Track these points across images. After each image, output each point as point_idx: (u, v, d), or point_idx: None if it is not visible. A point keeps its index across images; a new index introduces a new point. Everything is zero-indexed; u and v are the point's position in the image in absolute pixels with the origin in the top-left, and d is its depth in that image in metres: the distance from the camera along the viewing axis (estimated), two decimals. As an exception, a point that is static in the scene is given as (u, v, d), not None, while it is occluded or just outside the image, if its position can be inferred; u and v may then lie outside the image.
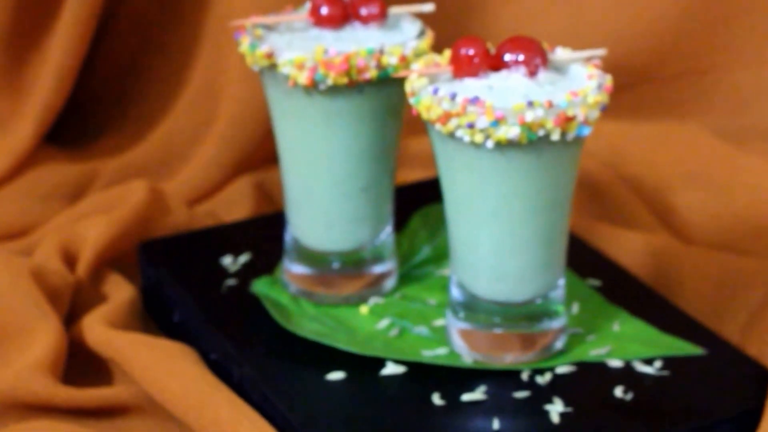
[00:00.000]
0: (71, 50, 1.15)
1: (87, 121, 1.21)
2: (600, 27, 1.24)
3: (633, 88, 1.24)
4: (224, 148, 1.17)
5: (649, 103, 1.25)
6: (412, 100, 0.83)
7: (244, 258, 1.01)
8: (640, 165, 1.18)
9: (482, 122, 0.80)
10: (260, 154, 1.17)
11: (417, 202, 1.06)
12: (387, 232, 0.97)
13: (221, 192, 1.16)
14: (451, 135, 0.82)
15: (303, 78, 0.87)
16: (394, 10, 0.93)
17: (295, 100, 0.90)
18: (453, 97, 0.80)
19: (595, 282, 0.96)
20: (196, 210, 1.12)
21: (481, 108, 0.80)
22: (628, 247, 1.05)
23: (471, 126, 0.80)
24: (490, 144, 0.80)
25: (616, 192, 1.14)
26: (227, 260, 1.01)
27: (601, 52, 0.86)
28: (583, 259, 0.99)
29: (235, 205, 1.14)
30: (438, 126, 0.82)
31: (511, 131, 0.79)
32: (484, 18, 1.24)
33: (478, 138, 0.80)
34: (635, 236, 1.05)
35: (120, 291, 1.01)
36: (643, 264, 1.04)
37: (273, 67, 0.89)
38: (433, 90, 0.81)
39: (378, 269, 0.97)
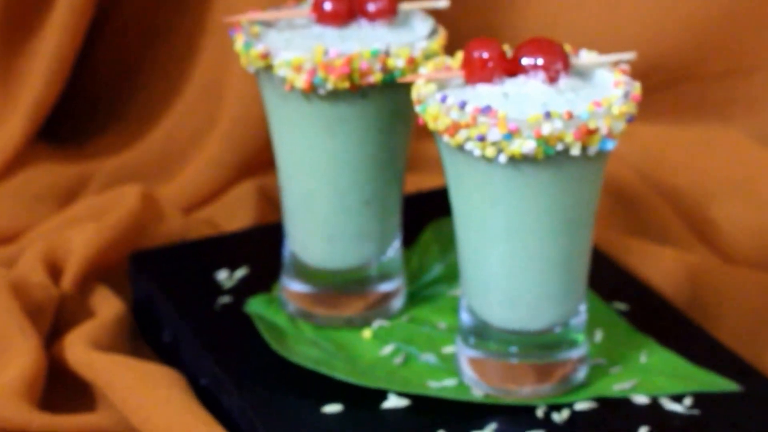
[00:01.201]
0: (65, 42, 1.10)
1: (82, 119, 1.18)
2: (638, 21, 1.18)
3: (671, 88, 1.20)
4: (227, 150, 1.12)
5: (688, 105, 1.20)
6: (418, 108, 0.78)
7: (240, 272, 0.96)
8: (677, 173, 1.14)
9: (494, 135, 0.74)
10: (265, 156, 1.12)
11: (430, 213, 1.01)
12: (394, 248, 0.91)
13: (222, 197, 1.12)
14: (461, 148, 0.76)
15: (301, 81, 0.82)
16: (405, 5, 0.88)
17: (293, 105, 0.85)
18: (462, 106, 0.75)
19: (622, 306, 0.91)
20: (192, 217, 1.08)
21: (493, 119, 0.74)
22: (661, 266, 1.00)
23: (482, 139, 0.74)
24: (502, 158, 0.75)
25: (648, 202, 1.10)
26: (222, 275, 0.96)
27: (629, 56, 0.80)
28: (608, 279, 0.94)
29: (236, 211, 1.09)
30: (446, 138, 0.76)
31: (526, 145, 0.74)
32: (509, 14, 1.18)
33: (490, 152, 0.75)
34: (669, 253, 1.01)
35: (108, 306, 0.96)
36: (676, 285, 0.98)
37: (269, 68, 0.84)
38: (441, 98, 0.76)
39: (384, 288, 0.91)
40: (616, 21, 1.18)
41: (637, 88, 0.78)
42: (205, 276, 0.96)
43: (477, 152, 0.75)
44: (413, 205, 0.98)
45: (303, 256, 0.90)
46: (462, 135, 0.75)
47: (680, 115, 1.19)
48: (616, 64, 0.80)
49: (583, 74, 0.79)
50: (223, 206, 1.10)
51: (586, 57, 0.80)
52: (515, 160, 0.75)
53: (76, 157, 1.15)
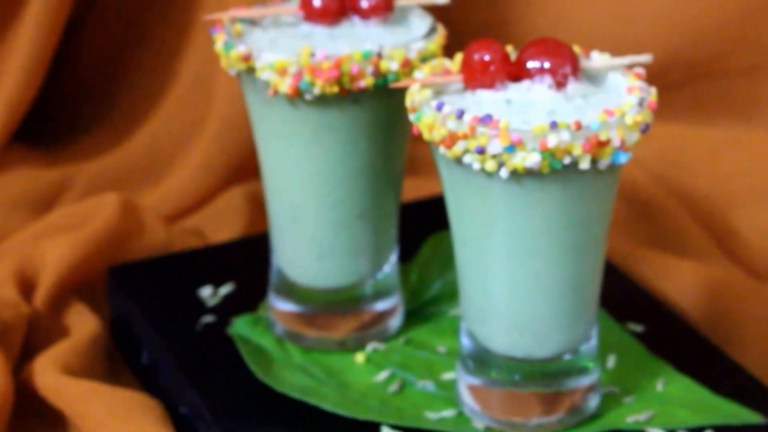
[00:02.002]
0: (41, 39, 1.06)
1: (62, 120, 1.14)
2: (655, 13, 1.14)
3: (691, 84, 1.15)
4: (216, 153, 1.08)
5: (710, 102, 1.16)
6: (412, 117, 0.72)
7: (225, 289, 0.91)
8: (697, 176, 1.10)
9: (495, 147, 0.69)
10: (256, 160, 1.07)
11: (430, 223, 0.95)
12: (391, 263, 0.86)
13: (210, 204, 1.08)
14: (458, 161, 0.71)
15: (285, 86, 0.77)
16: (402, 1, 0.82)
17: (277, 111, 0.79)
18: (460, 115, 0.70)
19: (637, 327, 0.87)
20: (177, 227, 1.03)
21: (493, 129, 0.69)
22: (679, 281, 0.95)
23: (481, 151, 0.69)
24: (504, 173, 0.70)
25: (666, 210, 1.06)
26: (206, 291, 0.91)
27: (645, 58, 0.74)
28: (622, 297, 0.89)
29: (224, 220, 1.05)
30: (442, 149, 0.71)
31: (529, 158, 0.69)
32: (516, 11, 1.13)
33: (490, 166, 0.69)
34: (688, 266, 0.96)
35: (83, 325, 0.91)
36: (696, 302, 0.94)
37: (251, 71, 0.78)
38: (437, 105, 0.71)
39: (380, 306, 0.86)
40: (632, 12, 1.13)
41: (653, 94, 0.73)
42: (187, 293, 0.91)
43: (476, 166, 0.70)
44: (412, 214, 0.94)
45: (291, 273, 0.85)
46: (459, 147, 0.70)
47: (701, 113, 1.15)
48: (630, 67, 0.75)
49: (594, 78, 0.74)
50: (210, 214, 1.06)
51: (597, 59, 0.75)
52: (518, 175, 0.70)
53: (54, 161, 1.10)
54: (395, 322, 0.87)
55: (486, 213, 0.73)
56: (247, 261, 0.93)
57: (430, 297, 0.90)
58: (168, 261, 0.95)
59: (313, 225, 0.82)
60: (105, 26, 1.14)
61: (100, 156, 1.11)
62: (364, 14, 0.81)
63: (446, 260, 0.92)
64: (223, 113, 1.08)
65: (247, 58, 0.78)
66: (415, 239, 0.94)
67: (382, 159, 0.81)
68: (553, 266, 0.74)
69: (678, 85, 1.14)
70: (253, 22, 0.82)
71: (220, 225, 1.04)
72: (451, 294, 0.89)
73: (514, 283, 0.74)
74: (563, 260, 0.74)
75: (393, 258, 0.86)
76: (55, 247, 0.94)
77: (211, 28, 0.81)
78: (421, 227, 0.95)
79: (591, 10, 1.13)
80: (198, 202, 1.07)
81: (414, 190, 1.03)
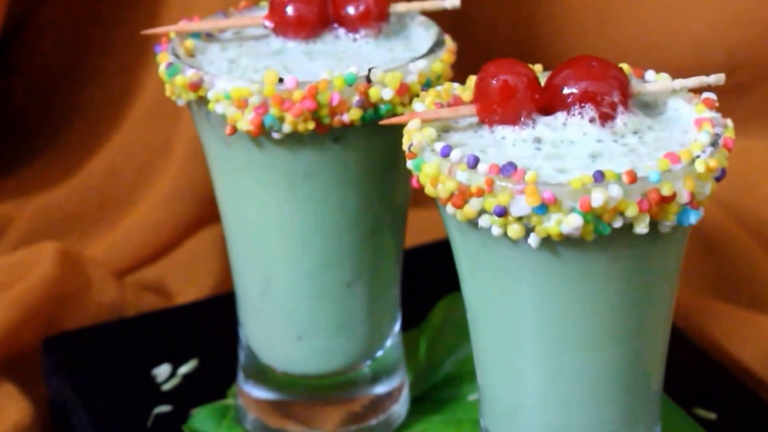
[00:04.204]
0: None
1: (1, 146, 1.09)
2: (721, 8, 1.06)
3: (762, 86, 1.08)
4: (184, 184, 1.02)
5: None
6: (410, 165, 0.61)
7: (187, 367, 0.82)
8: None
9: (520, 207, 0.58)
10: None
11: (444, 276, 0.83)
12: (393, 337, 0.76)
13: (175, 251, 1.01)
14: (473, 223, 0.59)
15: (246, 122, 0.66)
16: (399, 6, 0.73)
17: (239, 153, 0.69)
18: (473, 163, 0.58)
19: (709, 415, 0.78)
20: (132, 282, 0.95)
21: (518, 183, 0.57)
22: (759, 343, 0.87)
23: (502, 213, 0.58)
24: (534, 241, 0.59)
25: (737, 248, 0.98)
26: (163, 370, 0.82)
27: (716, 78, 0.64)
28: (688, 373, 0.81)
29: (192, 272, 0.98)
30: (450, 208, 0.59)
31: (568, 222, 0.57)
32: (552, 19, 1.04)
33: (515, 231, 0.58)
34: None
35: (10, 412, 0.83)
36: None
37: (203, 102, 0.67)
38: (443, 150, 0.59)
39: (379, 390, 0.77)
40: (696, 12, 1.06)
41: (729, 129, 0.62)
42: (139, 372, 0.82)
43: (496, 231, 0.59)
44: (417, 263, 0.86)
45: (263, 355, 0.75)
46: (473, 206, 0.59)
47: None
48: (698, 91, 0.64)
49: (650, 108, 0.64)
50: (175, 264, 1.00)
51: (654, 82, 0.64)
52: (552, 243, 0.59)
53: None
54: (399, 409, 0.78)
55: (511, 290, 0.61)
56: (217, 328, 0.84)
57: (442, 376, 0.82)
58: (117, 329, 0.87)
59: (288, 297, 0.73)
60: (54, 30, 1.09)
61: (43, 190, 1.06)
62: (352, 25, 0.72)
63: (463, 328, 0.80)
64: (192, 134, 0.99)
65: (196, 85, 0.67)
66: (422, 300, 0.86)
67: (377, 211, 0.72)
68: (601, 359, 0.63)
69: (745, 88, 1.08)
70: (211, 37, 0.72)
71: (187, 278, 0.97)
72: (469, 372, 0.80)
73: (550, 380, 0.63)
74: (615, 351, 0.63)
75: (395, 329, 0.77)
76: (-22, 311, 0.86)
77: (155, 45, 0.69)
78: (430, 283, 0.86)
79: (639, 14, 1.06)
80: (160, 248, 1.01)
81: (419, 227, 0.94)
